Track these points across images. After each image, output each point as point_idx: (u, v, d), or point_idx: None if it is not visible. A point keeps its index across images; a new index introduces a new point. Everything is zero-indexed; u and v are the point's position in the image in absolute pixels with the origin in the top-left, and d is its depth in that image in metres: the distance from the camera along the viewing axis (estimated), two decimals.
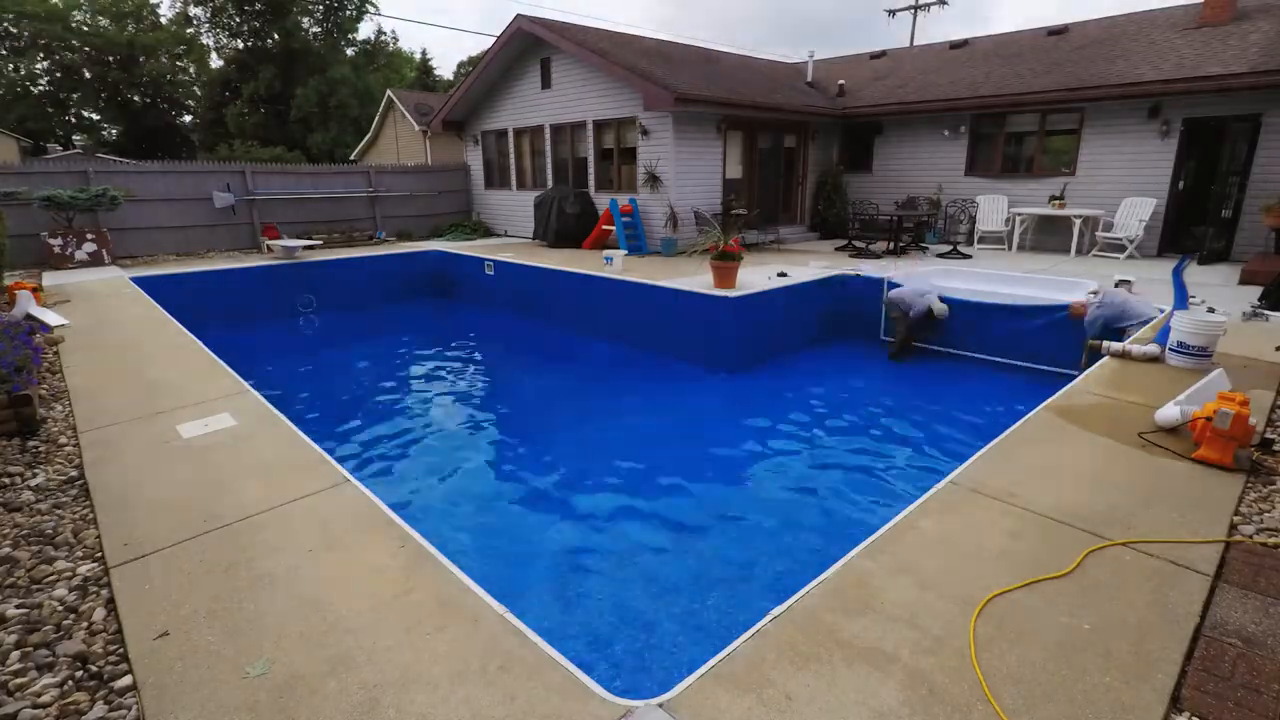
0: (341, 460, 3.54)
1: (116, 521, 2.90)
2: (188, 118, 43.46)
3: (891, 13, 31.01)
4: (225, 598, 2.38)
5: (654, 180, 11.74)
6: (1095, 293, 6.97)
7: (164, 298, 8.03)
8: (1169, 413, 3.77)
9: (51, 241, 10.35)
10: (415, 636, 2.17)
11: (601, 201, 12.94)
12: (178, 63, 41.41)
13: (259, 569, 2.55)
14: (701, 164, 11.95)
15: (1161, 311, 6.49)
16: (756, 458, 5.64)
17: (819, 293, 8.86)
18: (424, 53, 45.14)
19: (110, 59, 38.43)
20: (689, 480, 5.16)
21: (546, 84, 13.51)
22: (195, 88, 42.50)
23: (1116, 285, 7.25)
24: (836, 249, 12.11)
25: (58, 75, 38.79)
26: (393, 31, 47.65)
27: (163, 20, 41.28)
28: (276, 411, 4.23)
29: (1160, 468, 3.36)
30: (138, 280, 9.29)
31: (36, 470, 3.47)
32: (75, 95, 39.78)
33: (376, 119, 28.68)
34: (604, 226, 12.19)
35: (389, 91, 28.03)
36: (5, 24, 35.40)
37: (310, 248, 12.52)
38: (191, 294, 9.66)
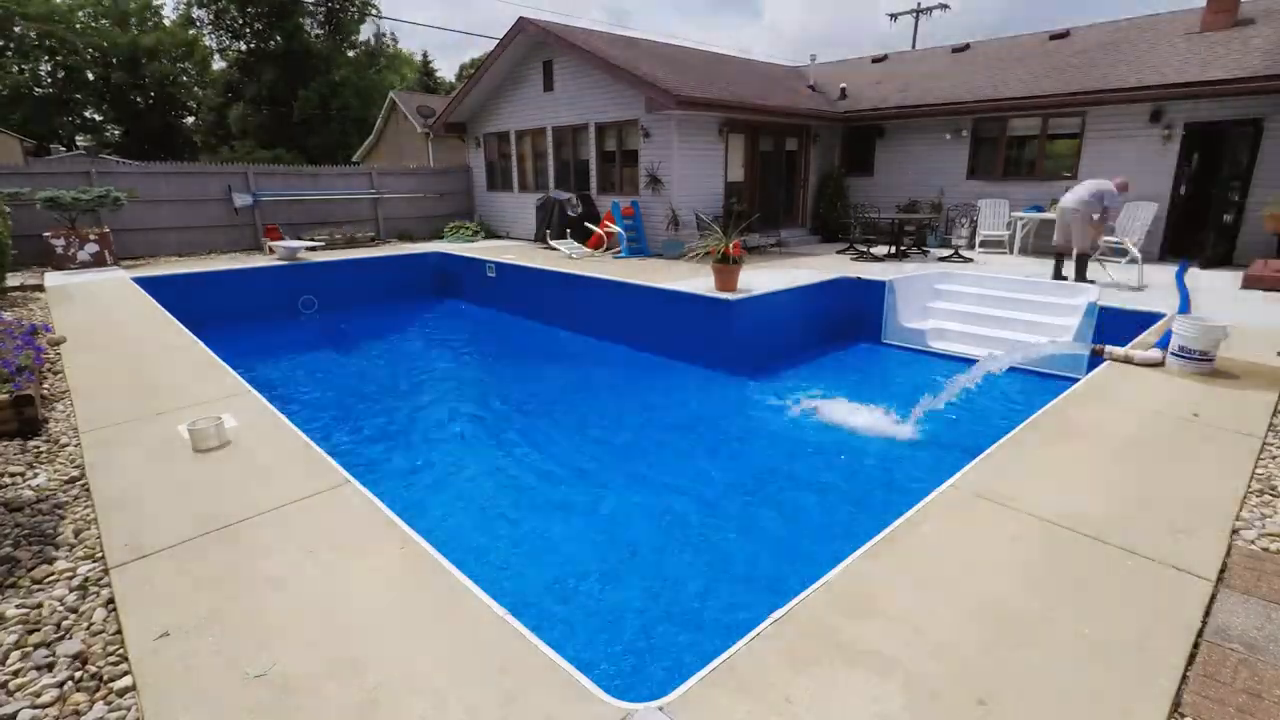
0: (342, 461, 3.54)
1: (117, 522, 2.90)
2: (190, 119, 43.55)
3: (893, 16, 31.11)
4: (225, 598, 2.37)
5: (656, 182, 11.75)
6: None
7: (166, 298, 8.04)
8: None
9: (54, 242, 10.37)
10: (415, 638, 2.17)
11: (603, 204, 12.96)
12: (180, 64, 41.51)
13: (259, 570, 2.55)
14: (703, 166, 11.97)
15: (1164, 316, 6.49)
16: (757, 457, 5.64)
17: (820, 295, 8.86)
18: (425, 55, 45.12)
19: (113, 60, 38.52)
20: (690, 480, 5.16)
21: (549, 86, 13.54)
22: (198, 89, 42.61)
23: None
24: (838, 252, 12.11)
25: (61, 76, 38.89)
26: (391, 33, 47.72)
27: (166, 22, 41.41)
28: (278, 412, 4.23)
29: (1161, 473, 3.35)
30: (140, 281, 9.30)
31: (38, 470, 3.47)
32: (78, 96, 39.87)
33: (379, 121, 28.71)
34: (606, 228, 12.20)
35: (391, 93, 28.06)
36: (10, 26, 35.49)
37: (312, 249, 12.54)
38: (193, 295, 9.67)
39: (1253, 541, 2.74)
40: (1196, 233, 10.77)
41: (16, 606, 2.36)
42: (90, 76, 39.37)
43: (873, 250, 11.59)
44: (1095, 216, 8.16)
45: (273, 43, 36.12)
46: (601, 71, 11.96)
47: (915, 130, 13.42)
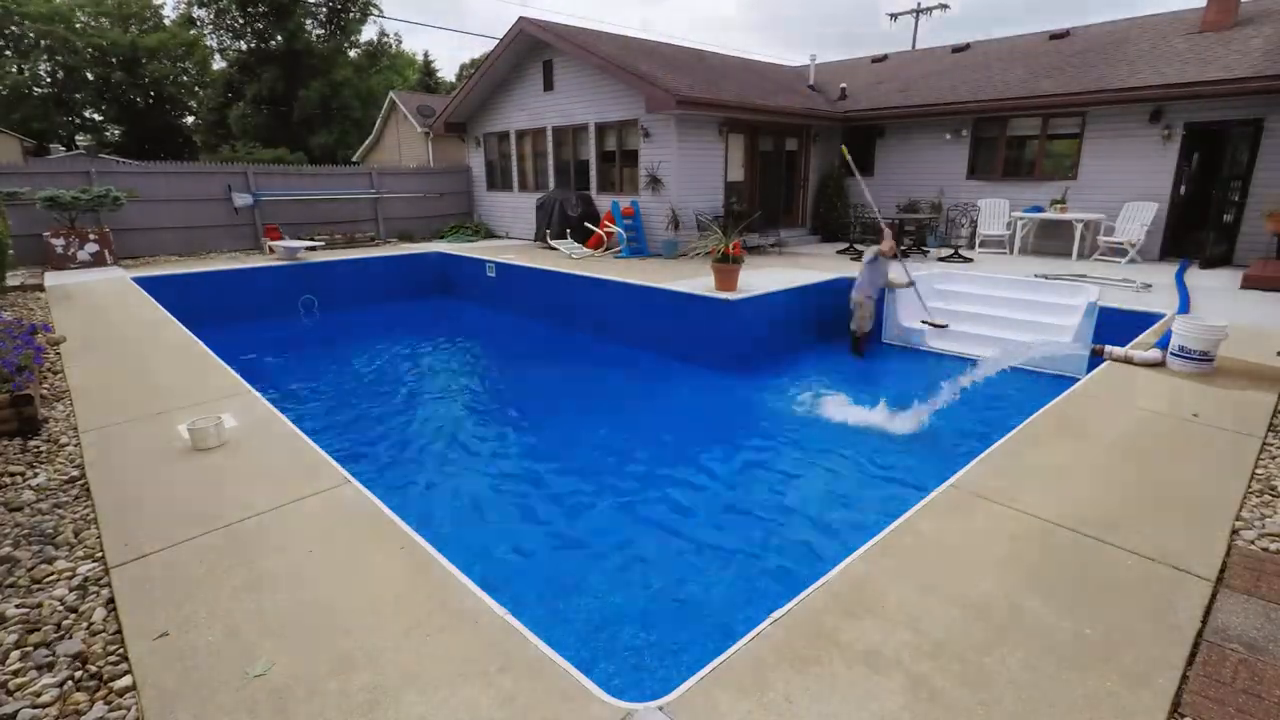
0: (342, 461, 3.54)
1: (117, 521, 2.90)
2: (190, 119, 43.54)
3: (893, 16, 31.11)
4: (225, 598, 2.37)
5: (656, 182, 11.75)
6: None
7: (166, 298, 8.04)
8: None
9: (54, 242, 10.37)
10: (415, 637, 2.17)
11: (603, 204, 12.96)
12: (180, 64, 41.51)
13: (259, 570, 2.55)
14: (703, 166, 11.97)
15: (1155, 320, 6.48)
16: (757, 455, 5.64)
17: (820, 295, 8.86)
18: (426, 54, 45.12)
19: (113, 60, 38.52)
20: (691, 479, 5.17)
21: (549, 86, 13.54)
22: (198, 89, 42.60)
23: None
24: (838, 252, 12.12)
25: (60, 76, 38.89)
26: (396, 34, 47.75)
27: (166, 22, 41.41)
28: (278, 412, 4.23)
29: (1161, 473, 3.35)
30: (140, 281, 9.30)
31: (38, 470, 3.47)
32: (78, 96, 39.86)
33: (379, 121, 28.71)
34: (606, 228, 12.20)
35: (391, 93, 28.05)
36: (10, 26, 35.50)
37: (312, 249, 12.54)
38: (193, 295, 9.67)
39: (1253, 541, 2.74)
40: (1196, 232, 10.78)
41: (16, 606, 2.36)
42: (90, 76, 39.35)
43: None
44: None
45: (273, 43, 36.09)
46: (601, 71, 11.96)
47: (915, 130, 13.42)
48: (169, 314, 7.17)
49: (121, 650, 2.14)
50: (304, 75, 35.75)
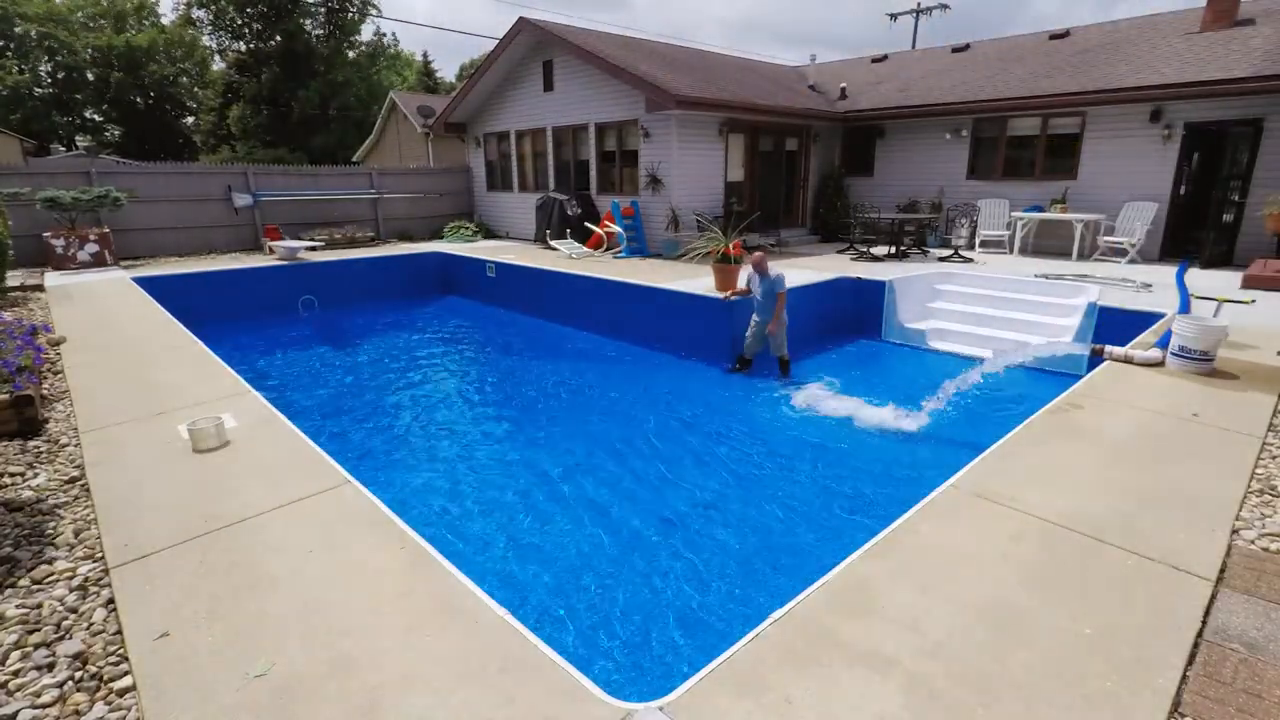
0: (342, 461, 3.54)
1: (117, 522, 2.90)
2: (190, 119, 43.57)
3: (893, 16, 31.10)
4: (226, 598, 2.37)
5: (655, 182, 11.75)
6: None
7: (166, 298, 8.04)
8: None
9: (54, 242, 10.37)
10: (415, 638, 2.17)
11: (603, 204, 12.96)
12: (180, 65, 41.53)
13: (259, 570, 2.55)
14: (703, 166, 11.97)
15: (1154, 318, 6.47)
16: (757, 453, 5.63)
17: (820, 295, 8.86)
18: (426, 55, 45.09)
19: (113, 61, 38.54)
20: (690, 475, 5.16)
21: (549, 86, 13.54)
22: (197, 89, 42.63)
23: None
24: (838, 252, 12.11)
25: (60, 77, 38.91)
26: (393, 33, 47.81)
27: (165, 22, 41.45)
28: (277, 412, 4.23)
29: (1161, 473, 3.35)
30: (140, 281, 9.30)
31: (38, 470, 3.47)
32: (78, 96, 39.89)
33: (379, 121, 28.71)
34: (606, 228, 12.20)
35: (391, 93, 28.07)
36: (13, 28, 35.52)
37: (312, 249, 12.54)
38: (193, 295, 9.67)
39: (1253, 541, 2.74)
40: (1196, 232, 10.77)
41: (16, 606, 2.36)
42: (90, 77, 39.38)
43: (873, 250, 11.58)
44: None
45: (272, 43, 36.09)
46: (601, 71, 11.96)
47: (915, 130, 13.41)
48: (169, 314, 7.17)
49: (121, 650, 2.14)
50: (303, 75, 35.74)
